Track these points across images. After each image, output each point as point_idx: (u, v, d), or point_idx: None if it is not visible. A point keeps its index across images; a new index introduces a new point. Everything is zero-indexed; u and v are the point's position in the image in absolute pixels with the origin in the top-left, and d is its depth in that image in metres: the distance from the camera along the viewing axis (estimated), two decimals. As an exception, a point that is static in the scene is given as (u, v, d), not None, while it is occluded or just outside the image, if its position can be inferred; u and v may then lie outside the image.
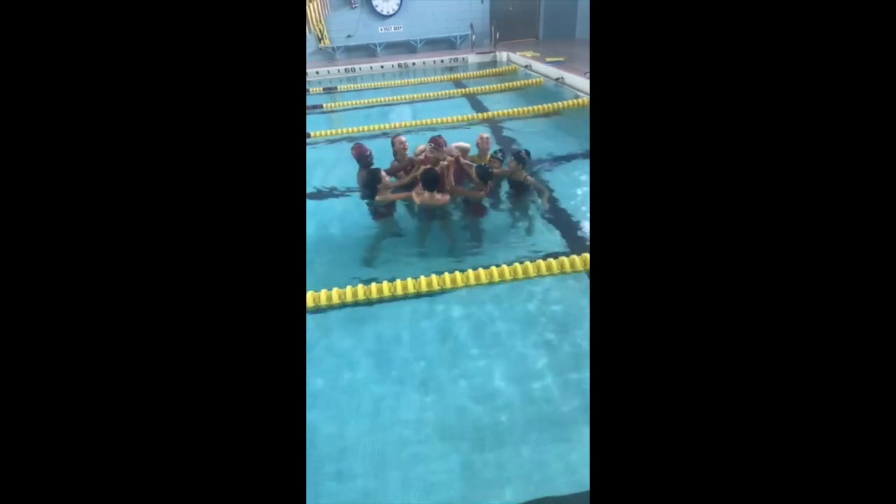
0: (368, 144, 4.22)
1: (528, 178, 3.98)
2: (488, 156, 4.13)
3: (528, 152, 4.04)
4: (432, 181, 3.61)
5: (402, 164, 4.11)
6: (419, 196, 3.65)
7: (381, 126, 6.54)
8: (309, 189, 4.73)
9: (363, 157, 4.03)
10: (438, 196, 3.64)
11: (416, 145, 4.36)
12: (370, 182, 3.73)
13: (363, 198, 3.87)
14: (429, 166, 3.79)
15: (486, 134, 4.36)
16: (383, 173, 3.71)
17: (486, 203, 3.98)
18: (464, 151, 4.16)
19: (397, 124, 6.59)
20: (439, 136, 4.14)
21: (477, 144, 4.25)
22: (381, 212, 3.86)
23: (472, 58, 11.36)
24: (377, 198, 3.73)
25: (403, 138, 4.16)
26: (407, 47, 12.31)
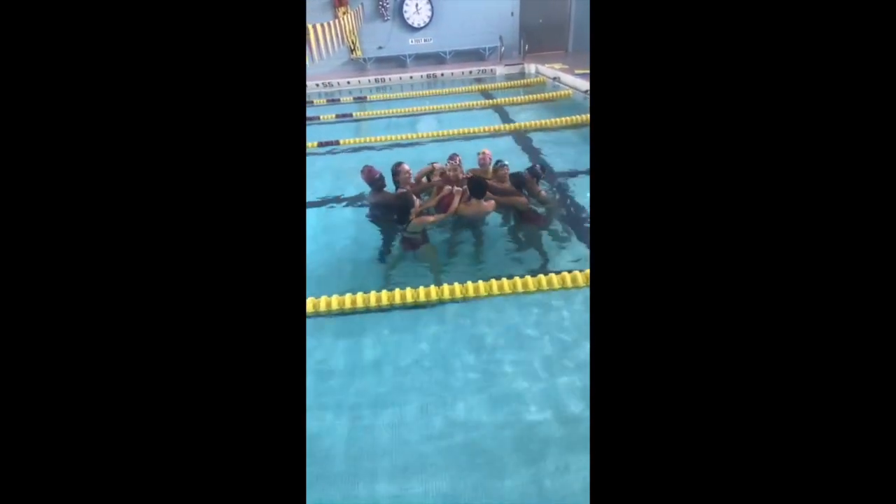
0: (394, 154, 4.20)
1: (542, 192, 3.96)
2: (490, 170, 4.11)
3: (542, 168, 4.02)
4: (480, 188, 3.51)
5: (416, 189, 3.91)
6: (468, 206, 3.57)
7: (409, 136, 6.63)
8: (338, 194, 4.82)
9: (374, 181, 3.85)
10: (485, 203, 3.59)
11: (432, 159, 4.31)
12: (402, 208, 3.41)
13: (398, 223, 3.54)
14: (454, 186, 3.72)
15: (488, 149, 4.30)
16: (415, 196, 3.47)
17: (539, 210, 3.93)
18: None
19: (425, 134, 6.67)
20: (456, 154, 4.05)
21: (479, 161, 4.22)
22: (416, 240, 3.48)
23: (501, 69, 11.41)
24: (412, 223, 3.43)
25: (407, 167, 3.90)
26: (436, 58, 12.47)
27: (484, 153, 4.25)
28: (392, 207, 3.62)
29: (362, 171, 3.95)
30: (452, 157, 3.99)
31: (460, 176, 3.86)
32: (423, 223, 3.49)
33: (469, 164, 4.26)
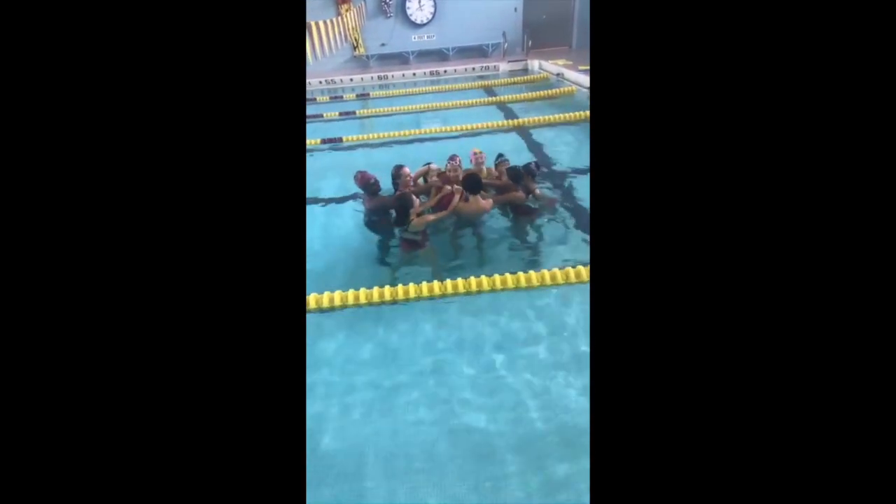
0: (397, 151, 4.17)
1: (537, 190, 3.98)
2: (484, 168, 4.11)
3: (537, 164, 4.01)
4: (477, 184, 3.53)
5: (416, 191, 3.87)
6: (467, 204, 3.58)
7: (412, 132, 6.63)
8: (341, 192, 4.83)
9: (368, 185, 3.81)
10: (483, 202, 3.60)
11: (435, 156, 4.29)
12: (402, 209, 3.39)
13: (398, 225, 3.52)
14: (454, 184, 3.72)
15: (479, 149, 4.25)
16: (414, 197, 3.43)
17: (534, 204, 3.95)
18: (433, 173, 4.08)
19: (427, 130, 6.66)
20: (456, 155, 4.05)
21: (471, 161, 4.19)
22: (417, 241, 3.45)
23: (504, 66, 11.37)
24: (412, 223, 3.40)
25: (407, 170, 3.89)
26: (439, 55, 12.44)
27: (476, 153, 4.21)
28: (391, 209, 3.60)
29: (356, 177, 3.92)
30: (452, 158, 3.99)
31: (460, 176, 3.86)
32: (424, 222, 3.48)
33: (466, 164, 4.22)
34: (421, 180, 4.13)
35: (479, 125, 6.70)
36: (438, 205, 3.68)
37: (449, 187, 3.69)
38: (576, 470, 1.92)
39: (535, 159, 4.23)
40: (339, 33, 11.32)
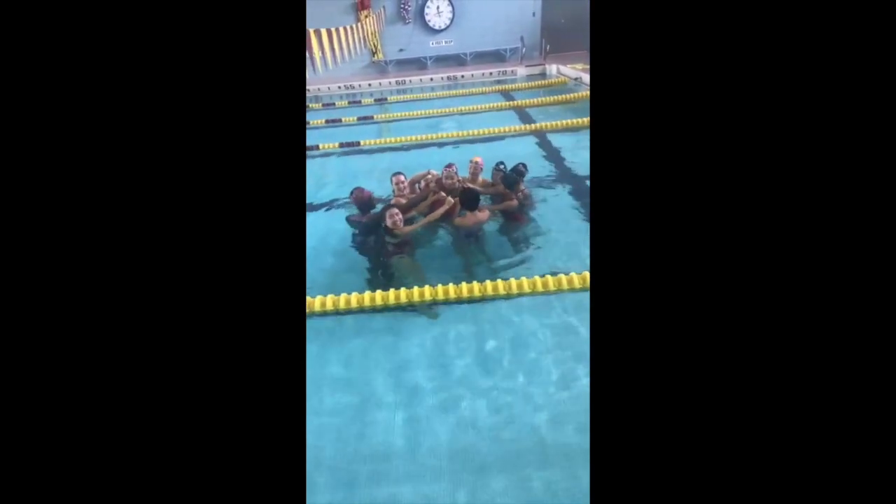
0: (413, 156, 4.13)
1: (524, 190, 3.97)
2: (479, 178, 4.10)
3: (524, 166, 4.01)
4: (474, 200, 3.53)
5: (414, 200, 3.83)
6: (462, 220, 3.60)
7: (429, 136, 6.66)
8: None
9: (364, 202, 3.81)
10: (480, 214, 3.60)
11: (451, 160, 4.26)
12: (377, 225, 3.41)
13: (386, 233, 3.52)
14: (447, 195, 3.70)
15: (480, 158, 4.22)
16: (395, 209, 3.41)
17: (526, 211, 3.94)
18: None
19: (444, 135, 6.70)
20: (452, 163, 4.03)
21: (469, 170, 4.17)
22: (392, 251, 3.44)
23: (522, 70, 11.37)
24: (397, 230, 3.38)
25: (402, 177, 3.92)
26: (457, 60, 12.50)
27: (475, 162, 4.17)
28: (381, 220, 3.58)
29: (351, 194, 3.92)
30: (449, 167, 3.97)
31: (455, 185, 3.85)
32: (409, 230, 3.45)
33: (463, 171, 4.20)
34: (418, 186, 4.11)
35: (496, 129, 6.70)
36: (430, 209, 3.67)
37: (443, 193, 3.69)
38: (568, 479, 1.90)
39: (519, 162, 4.16)
40: (359, 39, 11.47)
